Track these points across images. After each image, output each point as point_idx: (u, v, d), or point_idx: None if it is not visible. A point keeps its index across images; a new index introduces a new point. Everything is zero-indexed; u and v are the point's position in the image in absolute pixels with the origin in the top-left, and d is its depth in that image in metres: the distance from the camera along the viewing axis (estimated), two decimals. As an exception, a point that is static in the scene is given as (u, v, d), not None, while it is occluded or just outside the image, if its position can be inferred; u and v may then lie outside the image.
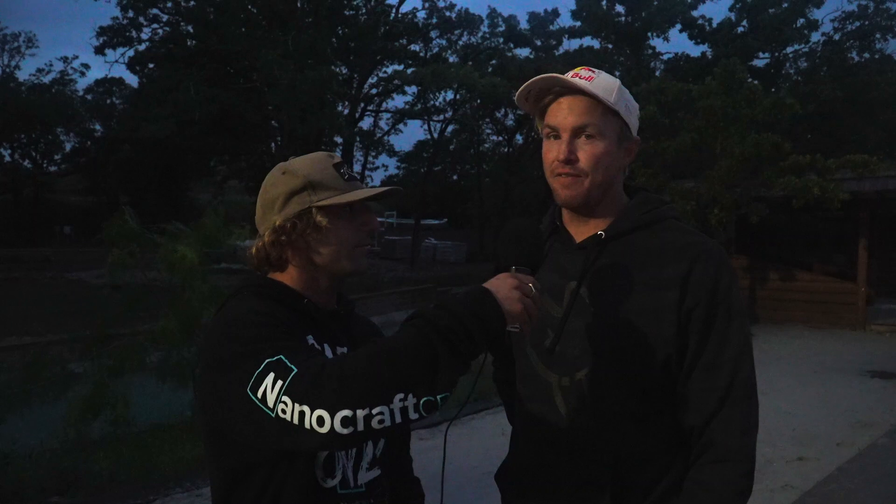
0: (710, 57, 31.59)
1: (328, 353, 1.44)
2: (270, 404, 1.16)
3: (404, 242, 33.37)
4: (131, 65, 31.05)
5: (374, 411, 1.12)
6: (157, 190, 35.86)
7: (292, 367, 1.17)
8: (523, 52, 35.83)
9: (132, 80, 42.43)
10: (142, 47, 30.58)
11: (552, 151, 1.50)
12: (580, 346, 1.50)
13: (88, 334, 6.89)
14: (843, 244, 17.51)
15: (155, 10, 29.37)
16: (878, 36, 31.78)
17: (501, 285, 1.26)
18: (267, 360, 1.19)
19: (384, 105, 35.17)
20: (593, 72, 1.50)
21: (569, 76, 1.49)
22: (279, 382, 1.16)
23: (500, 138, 41.77)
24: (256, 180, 35.26)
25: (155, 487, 5.01)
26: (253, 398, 1.18)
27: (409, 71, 29.45)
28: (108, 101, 39.21)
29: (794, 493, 5.16)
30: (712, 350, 1.44)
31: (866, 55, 32.20)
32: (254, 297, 1.42)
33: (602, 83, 1.48)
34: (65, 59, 42.11)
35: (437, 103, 34.77)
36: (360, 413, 1.11)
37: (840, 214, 14.49)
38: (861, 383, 9.39)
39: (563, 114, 1.48)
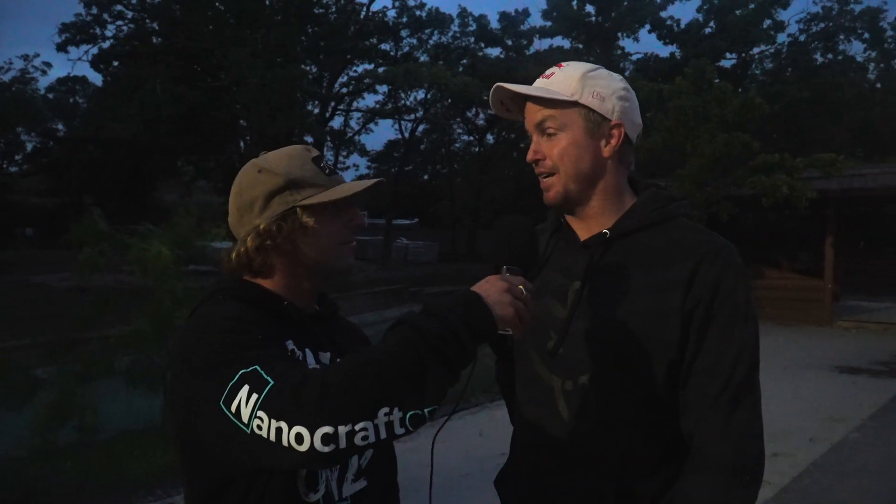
0: (678, 57, 31.98)
1: (310, 357, 1.36)
2: (245, 419, 1.07)
3: (376, 242, 33.22)
4: (95, 63, 30.47)
5: (358, 427, 1.04)
6: (122, 191, 35.25)
7: (268, 379, 1.08)
8: (494, 52, 36.00)
9: (96, 78, 41.82)
10: (106, 45, 30.00)
11: (528, 154, 1.49)
12: (584, 349, 1.44)
13: (55, 338, 6.71)
14: (809, 242, 17.82)
15: (119, 7, 28.83)
16: (841, 37, 32.46)
17: (491, 289, 1.19)
18: (241, 371, 1.10)
19: (355, 104, 35.02)
20: (560, 66, 1.49)
21: (541, 76, 1.50)
22: (254, 395, 1.07)
23: (472, 138, 41.89)
24: (225, 180, 35.14)
25: (125, 496, 4.88)
26: (226, 412, 1.09)
27: (381, 70, 29.35)
28: (71, 100, 38.46)
29: (771, 490, 5.19)
30: (710, 353, 1.37)
31: (830, 56, 32.84)
32: (229, 301, 1.33)
33: (559, 78, 1.45)
34: (25, 57, 41.16)
35: (408, 103, 34.79)
36: (343, 429, 1.03)
37: (806, 213, 14.73)
38: (830, 379, 9.54)
39: (527, 116, 1.49)
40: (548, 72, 1.49)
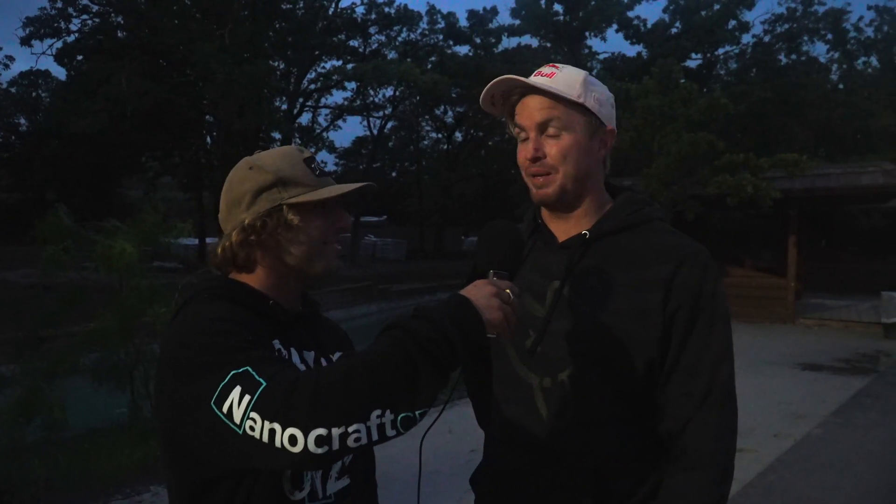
0: (645, 57, 32.27)
1: (295, 357, 1.37)
2: (237, 420, 1.07)
3: (343, 240, 33.01)
4: (59, 57, 29.90)
5: (351, 429, 1.05)
6: (86, 186, 34.59)
7: (261, 380, 1.08)
8: (463, 50, 36.01)
9: (59, 72, 40.97)
10: (70, 39, 29.49)
11: (523, 152, 1.50)
12: (563, 348, 1.47)
13: (21, 336, 6.58)
14: (773, 241, 18.14)
15: (85, 1, 28.36)
16: (805, 38, 33.00)
17: (479, 293, 1.21)
18: (233, 372, 1.10)
19: (323, 101, 34.81)
20: (556, 67, 1.50)
21: (534, 75, 1.50)
22: (246, 397, 1.07)
23: (440, 135, 41.92)
24: (190, 177, 34.65)
25: (94, 494, 4.82)
26: (218, 413, 1.09)
27: (350, 66, 29.20)
28: (34, 95, 37.67)
29: (737, 485, 5.28)
30: (692, 354, 1.42)
31: (794, 57, 33.38)
32: (216, 301, 1.32)
33: (564, 78, 1.47)
34: (-13, 51, 40.25)
35: (377, 100, 34.66)
36: (336, 431, 1.04)
37: (770, 212, 14.98)
38: (793, 376, 9.72)
39: (527, 112, 1.49)
40: (545, 70, 1.50)
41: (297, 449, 1.04)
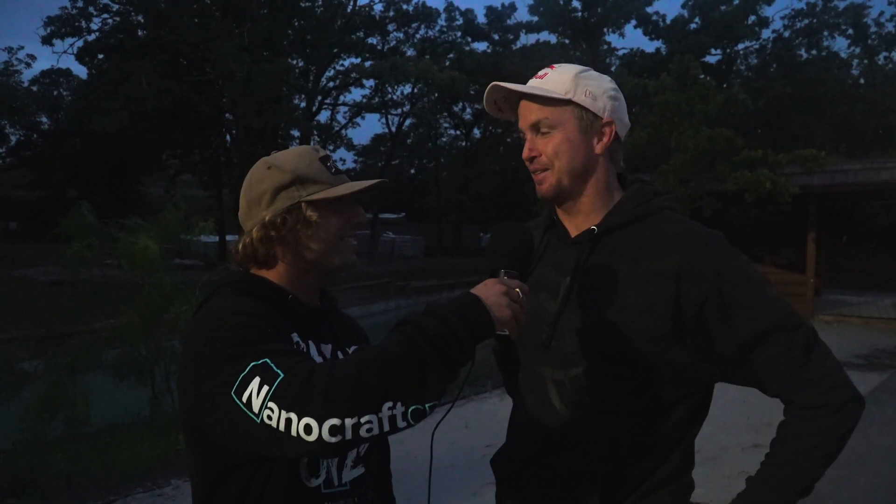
0: (663, 53, 32.07)
1: (312, 350, 1.42)
2: (256, 409, 1.13)
3: (362, 237, 33.23)
4: (80, 56, 30.23)
5: (363, 420, 1.10)
6: (106, 184, 34.94)
7: (279, 371, 1.14)
8: (481, 47, 35.97)
9: (80, 71, 41.34)
10: (91, 38, 29.78)
11: (523, 152, 1.55)
12: (574, 342, 1.50)
13: (43, 332, 6.71)
14: (791, 237, 17.98)
15: (105, 0, 28.63)
16: (825, 33, 32.60)
17: (489, 291, 1.25)
18: (252, 364, 1.16)
19: (341, 98, 34.89)
20: (552, 68, 1.55)
21: (532, 79, 1.55)
22: (265, 387, 1.13)
23: (458, 132, 41.88)
24: (210, 174, 34.78)
25: (114, 488, 4.89)
26: (238, 402, 1.15)
27: (368, 64, 29.24)
28: (55, 93, 38.04)
29: (752, 480, 5.28)
30: (750, 328, 1.41)
31: (814, 52, 32.99)
32: (237, 295, 1.39)
33: (554, 77, 1.52)
34: (9, 50, 40.72)
35: (395, 97, 34.71)
36: (349, 422, 1.09)
37: (788, 208, 14.85)
38: (811, 372, 9.64)
39: (522, 115, 1.55)
40: (540, 73, 1.55)
41: (312, 438, 1.08)
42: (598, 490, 1.49)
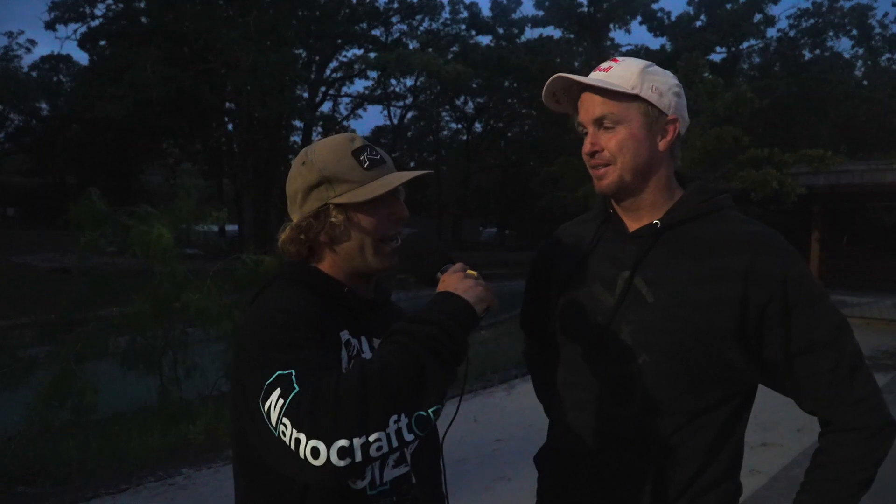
0: (669, 50, 32.04)
1: (364, 345, 1.39)
2: (273, 422, 1.10)
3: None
4: (82, 42, 30.14)
5: (372, 438, 1.07)
6: (107, 172, 34.83)
7: (296, 385, 1.10)
8: (485, 40, 35.91)
9: (80, 57, 41.16)
10: (95, 23, 29.68)
11: (584, 146, 1.52)
12: (632, 337, 1.47)
13: (53, 319, 6.67)
14: (793, 237, 17.91)
15: (109, -14, 28.55)
16: (830, 34, 32.60)
17: (452, 283, 1.25)
18: (278, 373, 1.13)
19: (344, 89, 34.85)
20: (616, 61, 1.51)
21: (594, 70, 1.52)
22: (281, 401, 1.09)
23: (459, 126, 41.86)
24: (210, 163, 34.63)
25: (125, 476, 4.86)
26: (262, 409, 1.12)
27: (373, 55, 29.19)
28: (56, 79, 37.89)
29: (762, 478, 5.28)
30: (804, 336, 1.40)
31: (818, 52, 33.00)
32: (291, 287, 1.36)
33: (619, 71, 1.48)
34: (9, 35, 40.46)
35: (398, 89, 34.66)
36: (357, 442, 1.05)
37: (792, 207, 14.87)
38: (816, 372, 9.65)
39: (584, 108, 1.51)
40: (604, 65, 1.52)
41: (320, 462, 1.05)
42: (649, 490, 1.46)
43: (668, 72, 1.54)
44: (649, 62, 1.53)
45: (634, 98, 1.46)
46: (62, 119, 34.49)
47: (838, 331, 1.42)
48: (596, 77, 1.49)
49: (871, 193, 15.87)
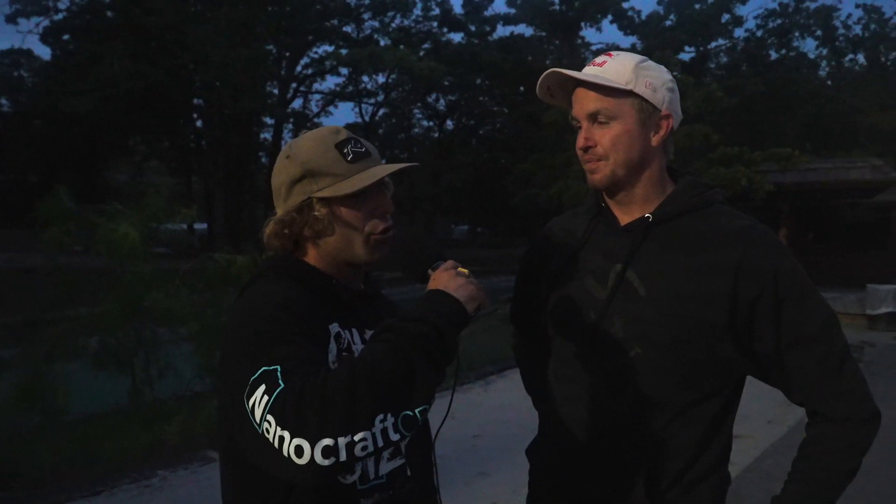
0: (639, 49, 32.30)
1: (356, 337, 1.37)
2: (257, 419, 1.08)
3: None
4: (45, 36, 29.55)
5: (357, 438, 1.04)
6: (71, 169, 34.01)
7: (281, 382, 1.08)
8: (457, 37, 35.90)
9: (42, 52, 40.34)
10: (58, 17, 29.13)
11: (578, 141, 1.52)
12: (624, 330, 1.48)
13: (18, 320, 6.53)
14: (763, 233, 18.17)
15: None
16: (796, 34, 33.17)
17: (442, 280, 1.25)
18: (263, 369, 1.11)
19: (315, 86, 34.65)
20: (609, 55, 1.52)
21: (588, 64, 1.52)
22: (265, 398, 1.07)
23: (431, 123, 41.83)
24: (178, 161, 34.15)
25: (101, 479, 4.78)
26: (246, 405, 1.10)
27: (345, 52, 29.03)
28: (17, 74, 36.97)
29: (735, 469, 5.34)
30: (794, 329, 1.42)
31: (784, 52, 33.55)
32: (279, 280, 1.34)
33: (614, 66, 1.48)
34: (-31, 28, 39.46)
35: (370, 86, 34.53)
36: (342, 441, 1.03)
37: (760, 205, 15.09)
38: (785, 365, 9.81)
39: (578, 103, 1.51)
40: (598, 60, 1.52)
41: (304, 460, 1.03)
42: (642, 481, 1.47)
43: (661, 67, 1.54)
44: (643, 57, 1.54)
45: (628, 94, 1.47)
46: (24, 115, 33.65)
47: (827, 325, 1.45)
48: (590, 72, 1.49)
49: (836, 191, 16.18)
